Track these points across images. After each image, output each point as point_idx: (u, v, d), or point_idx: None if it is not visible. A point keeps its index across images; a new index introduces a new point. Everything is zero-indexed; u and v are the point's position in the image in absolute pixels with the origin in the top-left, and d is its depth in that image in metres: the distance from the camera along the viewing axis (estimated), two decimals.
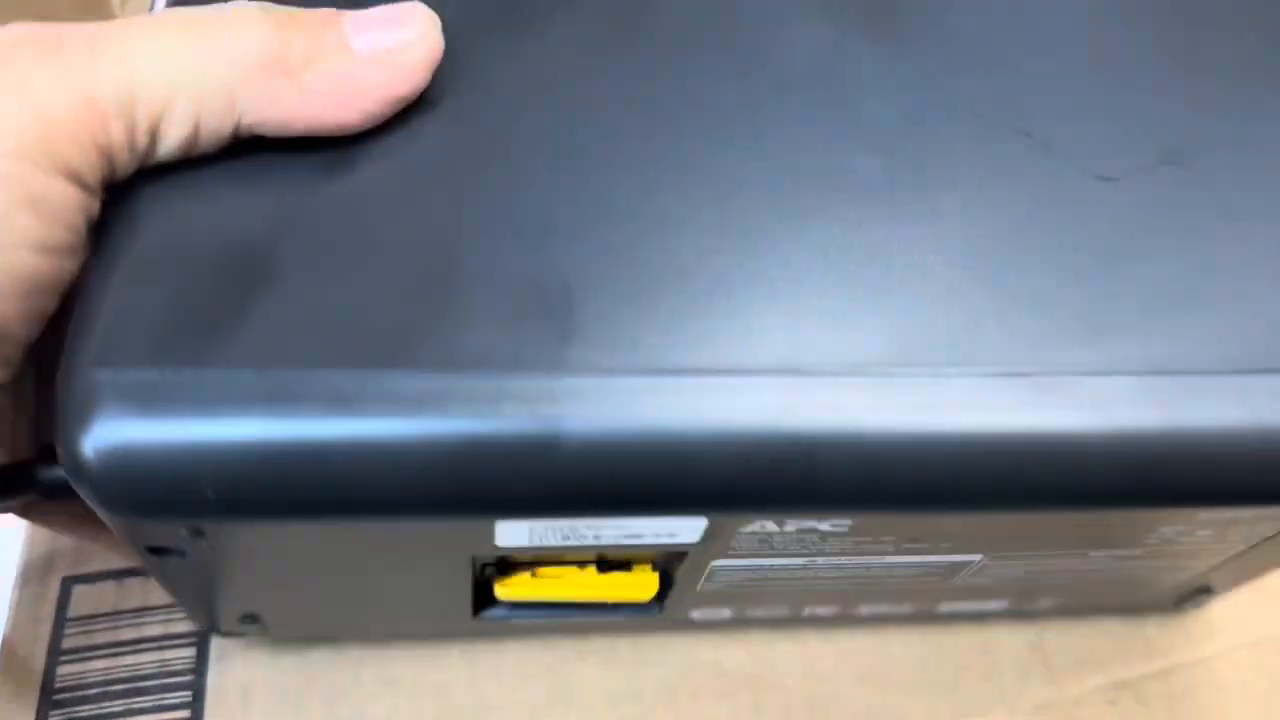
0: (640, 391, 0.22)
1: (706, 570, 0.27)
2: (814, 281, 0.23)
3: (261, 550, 0.24)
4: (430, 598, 0.28)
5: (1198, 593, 0.32)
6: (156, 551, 0.23)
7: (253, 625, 0.29)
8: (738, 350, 0.22)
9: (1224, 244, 0.24)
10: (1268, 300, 0.23)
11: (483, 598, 0.29)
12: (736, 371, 0.22)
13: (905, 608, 0.31)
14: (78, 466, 0.20)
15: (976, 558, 0.27)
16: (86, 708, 0.31)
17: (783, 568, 0.27)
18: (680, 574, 0.27)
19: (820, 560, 0.26)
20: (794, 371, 0.22)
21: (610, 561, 0.28)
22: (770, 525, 0.24)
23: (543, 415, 0.21)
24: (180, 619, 0.32)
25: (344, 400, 0.21)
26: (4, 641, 0.32)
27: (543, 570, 0.28)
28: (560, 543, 0.24)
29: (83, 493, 0.21)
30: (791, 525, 0.24)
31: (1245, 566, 0.29)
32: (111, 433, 0.20)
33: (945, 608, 0.31)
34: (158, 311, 0.21)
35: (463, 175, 0.23)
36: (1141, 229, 0.24)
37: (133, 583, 0.33)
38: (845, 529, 0.25)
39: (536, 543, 0.24)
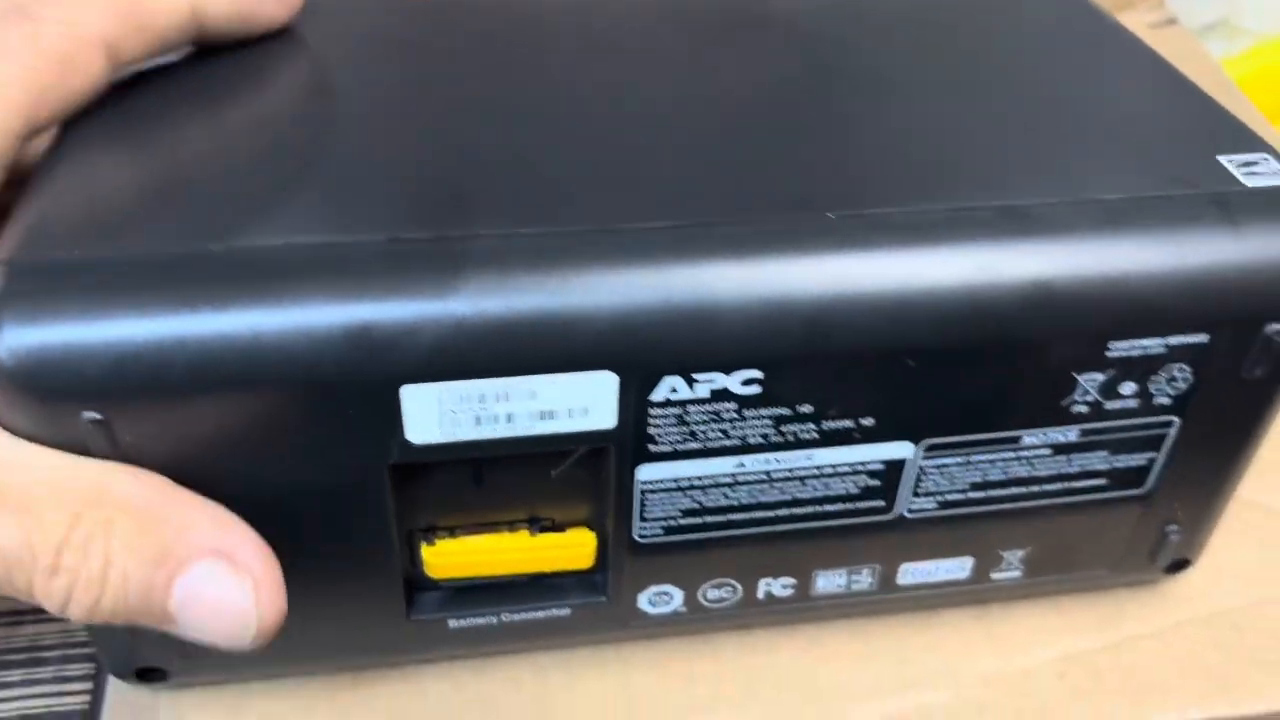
0: (535, 240, 0.23)
1: (638, 496, 0.26)
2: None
3: (169, 471, 0.23)
4: (359, 578, 0.27)
5: (1177, 564, 0.31)
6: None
7: (158, 680, 0.28)
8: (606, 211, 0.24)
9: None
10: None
11: (414, 588, 0.28)
12: (619, 228, 0.24)
13: (863, 576, 0.29)
14: None
15: (909, 451, 0.26)
16: None
17: (713, 481, 0.26)
18: (612, 520, 0.26)
19: (749, 463, 0.26)
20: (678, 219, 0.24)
21: (542, 523, 0.27)
22: (683, 387, 0.24)
23: (442, 268, 0.22)
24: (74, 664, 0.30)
25: (232, 271, 0.22)
26: None
27: (472, 539, 0.27)
28: (473, 431, 0.24)
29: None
30: (703, 388, 0.24)
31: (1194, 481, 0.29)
32: (17, 335, 0.21)
33: (903, 576, 0.30)
34: (56, 224, 0.23)
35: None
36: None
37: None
38: (758, 392, 0.24)
39: (448, 434, 0.24)
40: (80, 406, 0.22)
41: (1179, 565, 0.31)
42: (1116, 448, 0.28)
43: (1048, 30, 0.33)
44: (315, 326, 0.22)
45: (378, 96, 0.28)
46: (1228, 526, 0.34)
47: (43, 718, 0.29)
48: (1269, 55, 0.61)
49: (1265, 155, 0.27)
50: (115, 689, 0.29)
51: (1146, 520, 0.30)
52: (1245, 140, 0.28)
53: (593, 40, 0.31)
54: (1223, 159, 0.27)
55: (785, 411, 0.25)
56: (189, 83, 0.28)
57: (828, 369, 0.24)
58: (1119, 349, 0.25)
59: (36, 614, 0.31)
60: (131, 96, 0.27)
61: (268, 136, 0.26)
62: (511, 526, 0.27)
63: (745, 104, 0.28)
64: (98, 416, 0.22)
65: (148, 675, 0.28)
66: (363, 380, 0.23)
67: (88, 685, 0.29)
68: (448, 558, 0.27)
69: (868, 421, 0.26)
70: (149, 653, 0.27)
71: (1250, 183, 0.26)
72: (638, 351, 0.23)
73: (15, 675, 0.29)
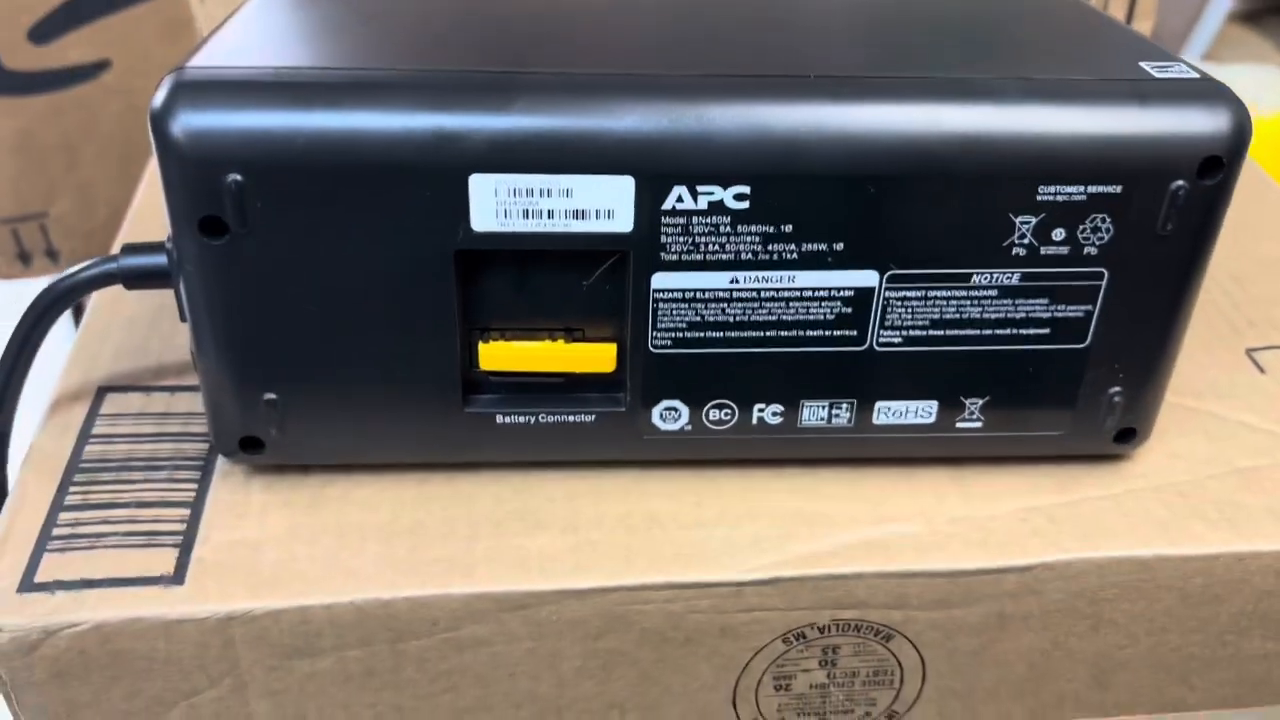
0: (571, 76, 0.31)
1: (652, 305, 0.32)
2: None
3: (282, 260, 0.31)
4: (427, 368, 0.33)
5: (1125, 433, 0.36)
6: (209, 229, 0.30)
7: (256, 452, 0.34)
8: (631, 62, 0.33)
9: None
10: None
11: (469, 386, 0.34)
12: (638, 73, 0.31)
13: (842, 411, 0.35)
14: (170, 142, 0.29)
15: (874, 279, 0.32)
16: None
17: (712, 295, 0.32)
18: (630, 328, 0.33)
19: (741, 278, 0.32)
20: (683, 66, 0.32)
21: (575, 334, 0.34)
22: (687, 198, 0.30)
23: (501, 87, 0.30)
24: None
25: (343, 89, 0.30)
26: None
27: (519, 343, 0.33)
28: (522, 224, 0.31)
29: (169, 161, 0.29)
30: (704, 199, 0.30)
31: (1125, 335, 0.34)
32: (186, 119, 0.29)
33: (878, 415, 0.35)
34: (220, 49, 0.32)
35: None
36: None
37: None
38: (747, 207, 0.31)
39: (503, 224, 0.30)
40: (226, 170, 0.29)
41: (1127, 434, 0.36)
42: (1055, 296, 0.33)
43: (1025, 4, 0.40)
44: (405, 123, 0.29)
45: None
46: (1181, 425, 0.39)
47: (156, 504, 0.35)
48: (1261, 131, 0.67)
49: (1179, 63, 0.33)
50: (215, 490, 0.35)
51: (1091, 381, 0.35)
52: (1167, 56, 0.34)
53: None
54: (1143, 64, 0.33)
55: (769, 229, 0.31)
56: None
57: (803, 190, 0.31)
58: (1046, 193, 0.31)
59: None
60: None
61: (388, 16, 0.35)
62: (551, 335, 0.33)
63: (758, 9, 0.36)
64: (239, 178, 0.29)
65: (249, 445, 0.34)
66: (440, 164, 0.30)
67: (194, 487, 0.36)
68: (499, 353, 0.33)
69: (838, 246, 0.32)
70: (252, 423, 0.33)
71: (1160, 76, 0.32)
72: (649, 160, 0.30)
73: (137, 475, 0.36)
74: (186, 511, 0.34)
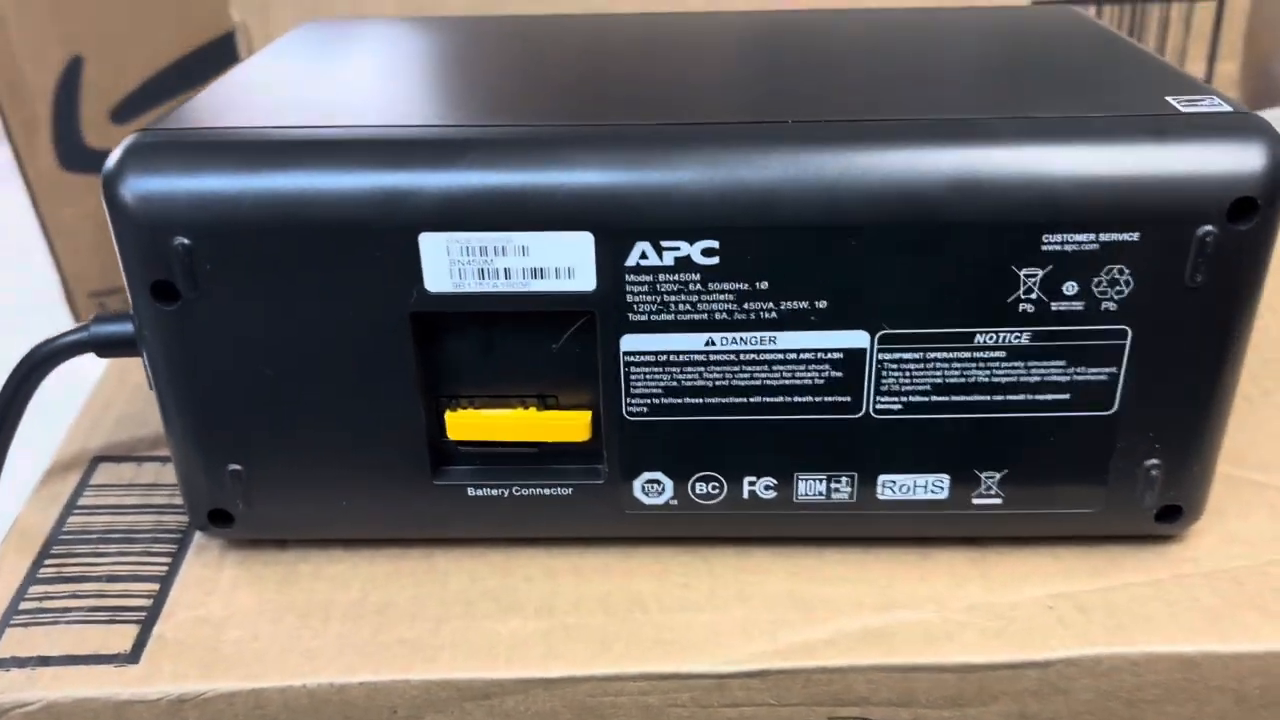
0: (523, 129, 0.29)
1: (623, 369, 0.30)
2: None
3: (235, 325, 0.30)
4: (391, 440, 0.31)
5: (1169, 511, 0.32)
6: (161, 294, 0.29)
7: (225, 525, 0.33)
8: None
9: None
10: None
11: (438, 457, 0.32)
12: (594, 124, 0.30)
13: (842, 485, 0.32)
14: (119, 205, 0.29)
15: (864, 340, 0.29)
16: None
17: (688, 358, 0.30)
18: (604, 394, 0.30)
19: (718, 340, 0.29)
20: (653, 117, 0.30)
21: (547, 401, 0.32)
22: (652, 254, 0.28)
23: (450, 143, 0.28)
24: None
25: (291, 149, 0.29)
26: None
27: (488, 411, 0.31)
28: (478, 284, 0.29)
29: (119, 224, 0.29)
30: (669, 255, 0.28)
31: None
32: (135, 184, 0.29)
33: (882, 490, 0.32)
34: (186, 112, 0.32)
35: None
36: None
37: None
38: (716, 263, 0.28)
39: (457, 285, 0.29)
40: (174, 234, 0.28)
41: (1171, 512, 0.32)
42: (1073, 357, 0.30)
43: (1040, 31, 0.37)
44: (350, 183, 0.28)
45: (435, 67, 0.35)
46: (1243, 502, 0.34)
47: (126, 578, 0.34)
48: None
49: (1211, 96, 0.30)
50: (188, 565, 0.34)
51: (1124, 452, 0.31)
52: (1198, 89, 0.31)
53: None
54: (1170, 98, 0.30)
55: (744, 286, 0.29)
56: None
57: (776, 242, 0.28)
58: (1052, 242, 0.28)
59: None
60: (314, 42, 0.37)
61: (356, 76, 0.34)
62: (523, 402, 0.31)
63: (733, 60, 0.34)
64: (186, 242, 0.28)
65: (217, 518, 0.33)
66: (388, 223, 0.28)
67: (167, 561, 0.34)
68: (467, 422, 0.31)
69: (821, 304, 0.29)
70: (219, 496, 0.32)
71: (1186, 110, 0.29)
72: (607, 214, 0.28)
73: (112, 548, 0.35)
74: (156, 586, 0.33)
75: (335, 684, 0.30)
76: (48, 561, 0.34)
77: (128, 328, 0.32)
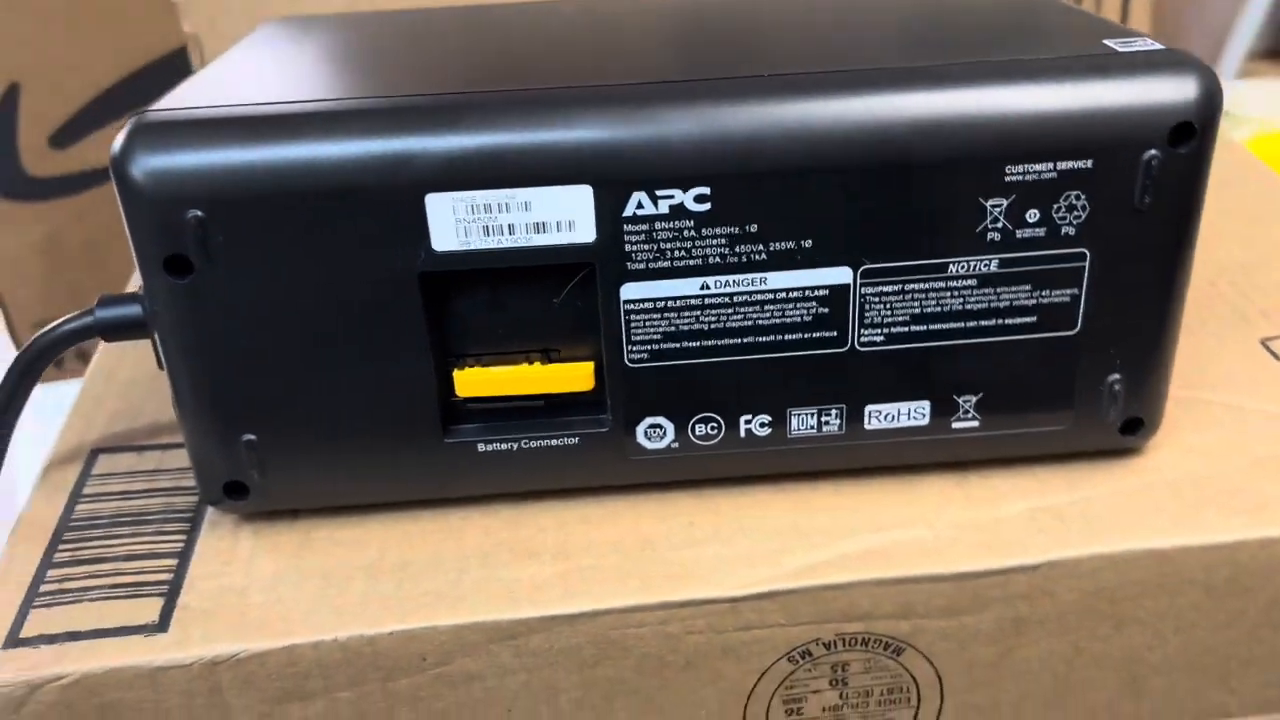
0: (524, 97, 0.31)
1: (623, 317, 0.32)
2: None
3: (248, 294, 0.31)
4: (402, 401, 0.33)
5: (1131, 424, 0.34)
6: (175, 267, 0.30)
7: (240, 497, 0.34)
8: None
9: None
10: None
11: (448, 416, 0.33)
12: (589, 84, 0.31)
13: (832, 418, 0.34)
14: (131, 184, 0.30)
15: (847, 276, 0.31)
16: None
17: (684, 303, 0.32)
18: (605, 344, 0.32)
19: (712, 283, 0.31)
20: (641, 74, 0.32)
21: (551, 355, 0.33)
22: (648, 203, 0.30)
23: (452, 108, 0.30)
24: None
25: (299, 120, 0.30)
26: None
27: (495, 368, 0.33)
28: (483, 240, 0.30)
29: (131, 204, 0.30)
30: (664, 204, 0.30)
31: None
32: (144, 160, 0.30)
33: (869, 420, 0.34)
34: (185, 92, 0.32)
35: None
36: None
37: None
38: (709, 209, 0.30)
39: (463, 243, 0.30)
40: (187, 206, 0.29)
41: (1134, 425, 0.35)
42: (1038, 281, 0.32)
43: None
44: (357, 149, 0.29)
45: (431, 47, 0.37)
46: (1195, 418, 0.37)
47: (143, 556, 0.35)
48: (1272, 144, 0.66)
49: (1143, 38, 0.33)
50: (203, 540, 0.35)
51: (1087, 369, 0.33)
52: (1129, 33, 0.33)
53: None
54: (1107, 41, 0.33)
55: (735, 230, 0.31)
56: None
57: (763, 187, 0.30)
58: (1014, 173, 0.31)
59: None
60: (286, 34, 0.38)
61: (348, 52, 0.36)
62: (526, 358, 0.33)
63: (708, 23, 0.36)
64: (199, 214, 0.29)
65: (233, 490, 0.34)
66: (395, 186, 0.30)
67: (182, 538, 0.35)
68: (475, 379, 0.33)
69: (807, 244, 0.31)
70: (234, 467, 0.33)
71: (1124, 50, 0.32)
72: (605, 167, 0.30)
73: (125, 530, 0.36)
74: (174, 562, 0.34)
75: (366, 635, 0.31)
76: (61, 547, 0.35)
77: (134, 310, 0.33)
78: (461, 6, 0.44)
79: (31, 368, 0.35)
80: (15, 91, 0.71)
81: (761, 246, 0.31)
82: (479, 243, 0.30)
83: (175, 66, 0.74)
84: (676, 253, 0.31)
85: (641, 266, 0.31)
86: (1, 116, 0.71)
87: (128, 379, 0.42)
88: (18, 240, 0.75)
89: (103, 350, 0.44)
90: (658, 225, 0.31)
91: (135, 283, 0.48)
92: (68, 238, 0.77)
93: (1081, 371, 0.34)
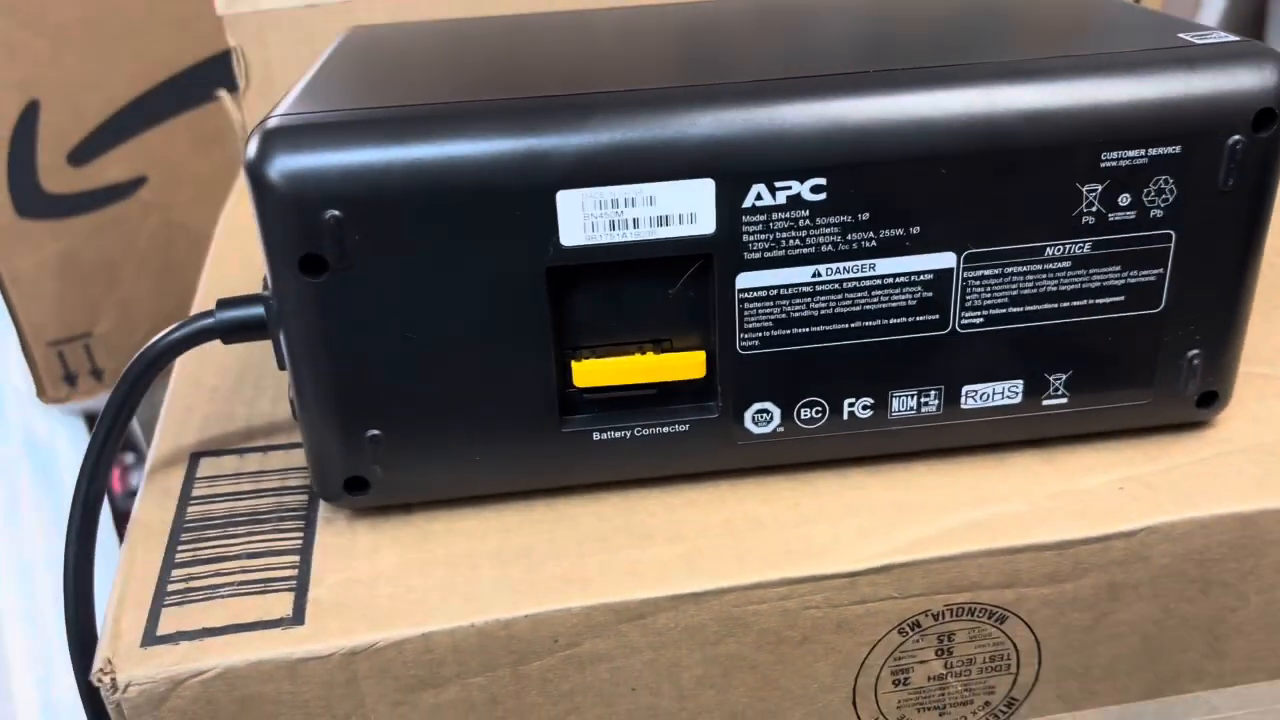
0: (649, 96, 0.32)
1: (738, 306, 0.33)
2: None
3: (380, 293, 0.32)
4: (523, 392, 0.34)
5: (1207, 397, 0.36)
6: (310, 267, 0.31)
7: (361, 493, 0.35)
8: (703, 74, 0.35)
9: None
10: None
11: (564, 406, 0.34)
12: (710, 82, 0.33)
13: (930, 399, 0.35)
14: (268, 187, 0.30)
15: (951, 260, 0.33)
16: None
17: (796, 290, 0.33)
18: (718, 333, 0.33)
19: (824, 271, 0.33)
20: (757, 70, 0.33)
21: (663, 345, 0.34)
22: (766, 195, 0.31)
23: (578, 107, 0.31)
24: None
25: (433, 120, 0.31)
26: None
27: (611, 359, 0.34)
28: (609, 235, 0.32)
29: (267, 205, 0.31)
30: (782, 195, 0.31)
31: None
32: (283, 163, 0.30)
33: (966, 400, 0.35)
34: (307, 96, 0.33)
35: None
36: None
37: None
38: (824, 199, 0.32)
39: (590, 237, 0.31)
40: (325, 207, 0.30)
41: (1209, 398, 0.36)
42: (1127, 262, 0.34)
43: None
44: (491, 148, 0.31)
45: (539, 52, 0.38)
46: (1258, 391, 0.39)
47: (265, 553, 0.35)
48: None
49: (1216, 31, 0.35)
50: (321, 536, 0.36)
51: (1169, 345, 0.35)
52: (1202, 28, 0.35)
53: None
54: (1183, 35, 0.35)
55: (847, 218, 0.32)
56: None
57: (876, 177, 0.32)
58: (1109, 159, 0.32)
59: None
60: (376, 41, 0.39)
61: (448, 58, 0.37)
62: (640, 348, 0.34)
63: (822, 22, 0.38)
64: (337, 214, 0.30)
65: (354, 486, 0.34)
66: (527, 184, 0.31)
67: (300, 535, 0.36)
68: (592, 370, 0.34)
69: (915, 230, 0.33)
70: (356, 463, 0.34)
71: (1202, 43, 0.34)
72: (727, 160, 0.31)
73: (240, 529, 0.36)
74: (296, 558, 0.35)
75: (502, 620, 0.32)
76: (180, 548, 0.35)
77: (256, 310, 0.34)
78: (552, 13, 0.46)
79: (145, 375, 0.35)
80: (34, 109, 0.71)
81: (872, 234, 0.33)
82: (605, 237, 0.32)
83: (192, 84, 0.74)
84: (791, 242, 0.32)
85: (757, 256, 0.32)
86: (21, 134, 0.71)
87: (213, 385, 0.43)
88: (34, 258, 0.75)
89: (183, 360, 0.45)
90: (775, 216, 0.32)
91: (198, 303, 0.48)
92: (84, 255, 0.76)
93: (1163, 347, 0.35)
